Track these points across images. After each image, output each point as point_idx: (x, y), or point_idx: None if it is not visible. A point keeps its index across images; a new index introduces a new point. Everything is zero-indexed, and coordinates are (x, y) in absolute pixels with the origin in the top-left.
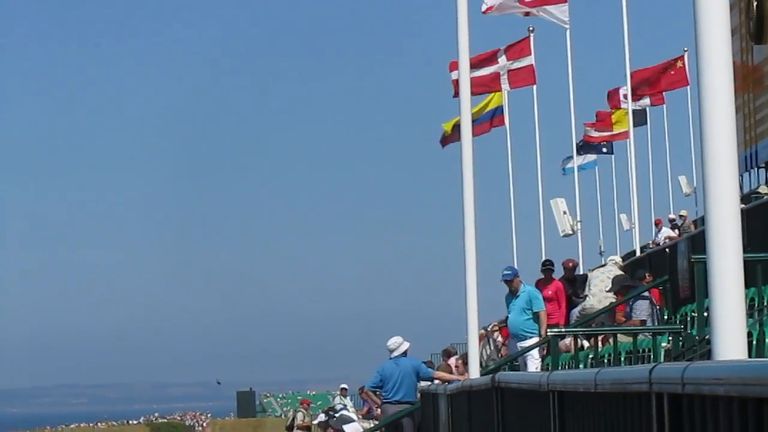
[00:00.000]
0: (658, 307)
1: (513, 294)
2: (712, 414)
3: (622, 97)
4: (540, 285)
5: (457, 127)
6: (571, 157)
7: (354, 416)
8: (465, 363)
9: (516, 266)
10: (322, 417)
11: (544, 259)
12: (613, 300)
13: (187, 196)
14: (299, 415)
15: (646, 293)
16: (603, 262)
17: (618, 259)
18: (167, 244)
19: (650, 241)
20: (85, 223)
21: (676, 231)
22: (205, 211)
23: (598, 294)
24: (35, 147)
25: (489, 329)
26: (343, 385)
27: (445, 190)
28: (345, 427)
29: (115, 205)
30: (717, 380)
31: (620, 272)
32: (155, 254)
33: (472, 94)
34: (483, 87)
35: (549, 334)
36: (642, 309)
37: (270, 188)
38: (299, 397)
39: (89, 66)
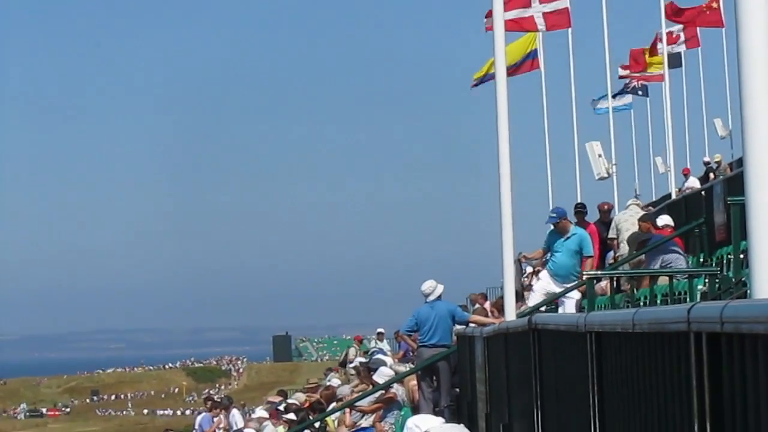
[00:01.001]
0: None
1: (561, 235)
2: (751, 352)
3: (659, 44)
4: None
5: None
6: (603, 97)
7: (388, 360)
8: (498, 308)
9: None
10: (361, 360)
11: (576, 202)
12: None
13: (218, 140)
14: (351, 351)
15: (674, 246)
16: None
17: (638, 201)
18: (201, 189)
19: (677, 189)
20: (120, 165)
21: (711, 174)
22: (237, 155)
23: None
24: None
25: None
26: (380, 330)
27: (479, 133)
28: (375, 376)
29: (145, 147)
30: (756, 319)
31: (643, 213)
32: (191, 199)
33: (506, 30)
34: (517, 25)
35: (584, 276)
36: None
37: (301, 132)
38: (335, 341)
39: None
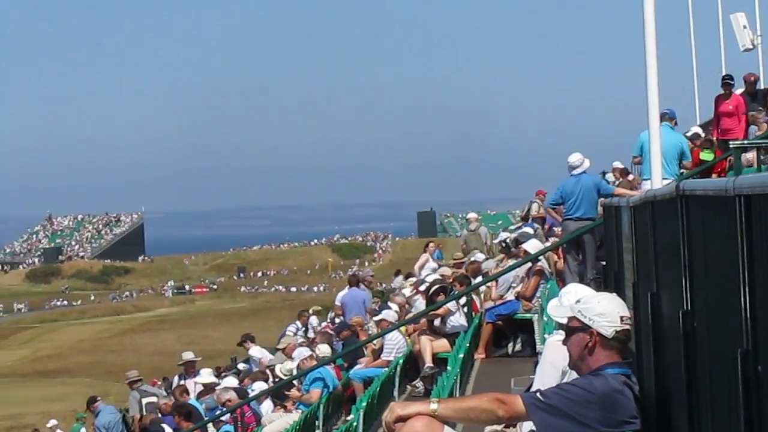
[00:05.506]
0: None
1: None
2: None
3: None
4: (720, 100)
5: None
6: None
7: (532, 232)
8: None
9: (696, 82)
10: (505, 235)
11: (724, 73)
12: None
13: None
14: (534, 206)
15: None
16: None
17: None
18: (340, 66)
19: None
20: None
21: None
22: (371, 30)
23: None
24: None
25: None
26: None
27: (624, 5)
28: (524, 245)
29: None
30: None
31: None
32: (333, 76)
33: None
34: None
35: (731, 146)
36: None
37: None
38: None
39: None
